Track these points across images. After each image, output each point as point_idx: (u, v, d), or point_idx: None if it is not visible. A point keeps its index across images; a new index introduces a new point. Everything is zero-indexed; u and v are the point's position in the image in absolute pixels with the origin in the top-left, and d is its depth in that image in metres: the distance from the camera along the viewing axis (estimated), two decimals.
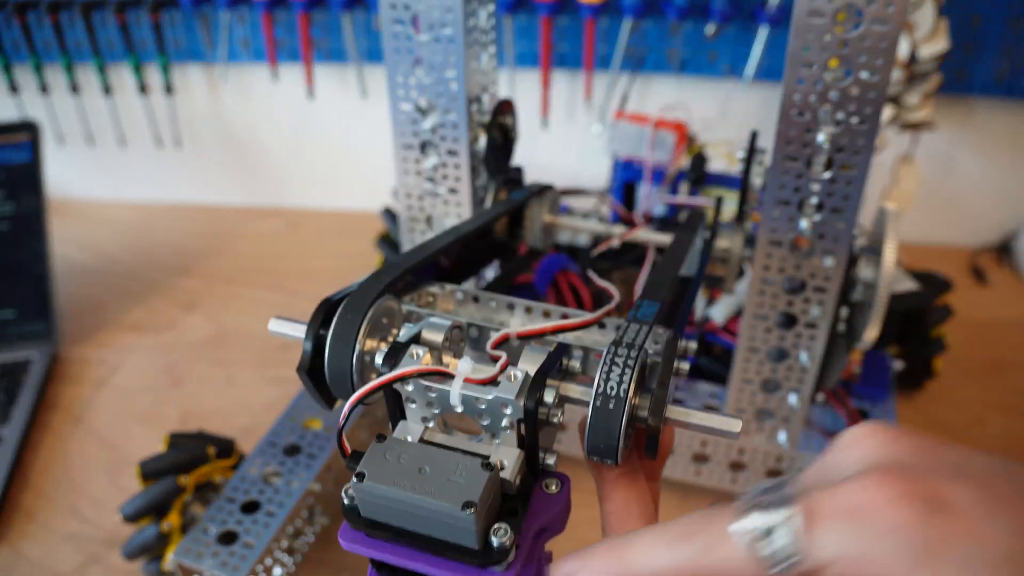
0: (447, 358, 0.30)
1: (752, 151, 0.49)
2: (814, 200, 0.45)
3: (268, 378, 0.72)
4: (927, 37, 0.71)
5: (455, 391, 0.28)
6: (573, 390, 0.29)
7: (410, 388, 0.28)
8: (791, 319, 0.50)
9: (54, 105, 0.96)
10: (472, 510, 0.25)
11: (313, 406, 0.60)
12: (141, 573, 0.54)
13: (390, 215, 0.79)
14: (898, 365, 0.66)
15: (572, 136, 0.90)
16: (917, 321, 0.65)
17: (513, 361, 0.28)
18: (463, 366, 0.28)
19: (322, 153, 0.98)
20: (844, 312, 0.53)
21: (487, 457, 0.27)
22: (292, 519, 0.53)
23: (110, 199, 1.05)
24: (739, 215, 0.52)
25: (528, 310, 0.38)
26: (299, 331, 0.33)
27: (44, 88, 0.93)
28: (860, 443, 0.25)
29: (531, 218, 0.53)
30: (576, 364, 0.30)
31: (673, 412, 0.28)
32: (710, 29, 0.76)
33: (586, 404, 0.27)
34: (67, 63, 0.90)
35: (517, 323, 0.37)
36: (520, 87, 0.86)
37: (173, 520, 0.51)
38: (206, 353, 0.76)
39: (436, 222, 0.57)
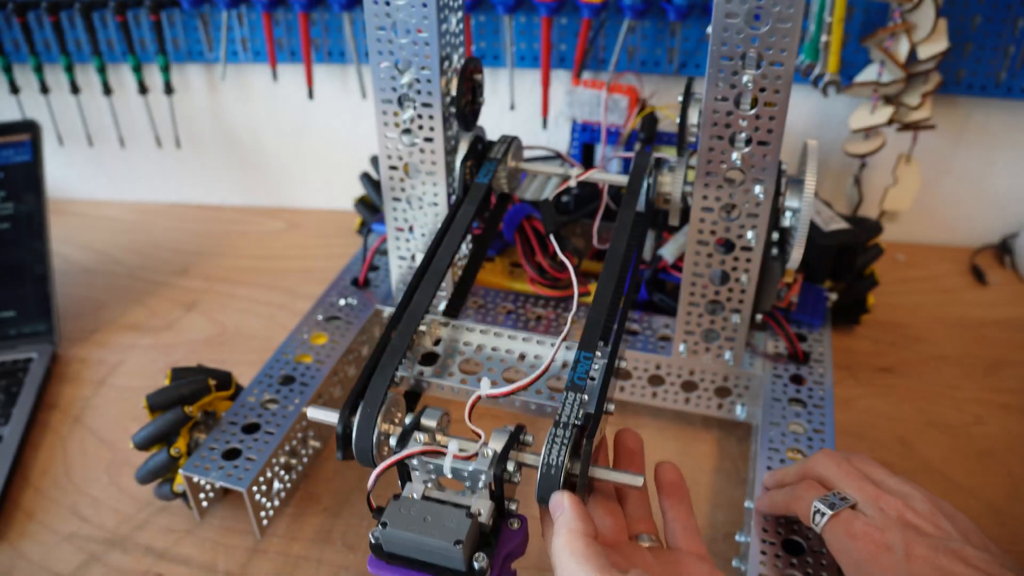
0: (440, 437, 0.42)
1: (688, 95, 0.57)
2: (743, 135, 0.52)
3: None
4: (926, 37, 0.71)
5: (447, 466, 0.40)
6: (528, 459, 0.41)
7: (415, 463, 0.41)
8: (729, 244, 0.57)
9: (54, 105, 0.96)
10: (460, 546, 0.37)
11: (304, 343, 0.67)
12: (154, 496, 0.59)
13: (368, 179, 0.84)
14: (832, 297, 0.72)
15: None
16: (849, 257, 0.71)
17: (486, 441, 0.41)
18: (452, 447, 0.41)
19: (322, 153, 0.98)
20: (776, 237, 0.61)
21: (469, 508, 0.39)
22: (289, 438, 0.59)
23: (110, 199, 1.06)
24: (679, 153, 0.58)
25: (495, 334, 0.52)
26: (333, 420, 0.45)
27: (44, 88, 0.93)
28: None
29: (498, 167, 0.61)
30: (530, 438, 0.43)
31: (594, 473, 0.41)
32: (711, 29, 0.76)
33: (537, 469, 0.40)
34: (67, 63, 0.90)
35: (487, 343, 0.52)
36: (520, 87, 0.87)
37: (181, 445, 0.57)
38: (206, 353, 0.76)
39: (413, 169, 0.63)
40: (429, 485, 0.41)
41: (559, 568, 0.36)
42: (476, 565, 0.38)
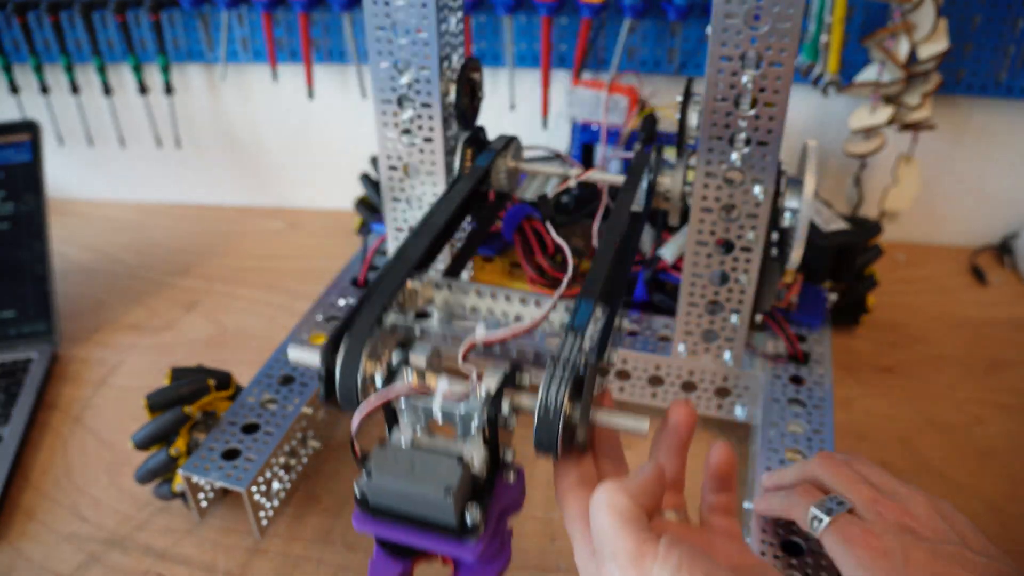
0: (429, 377, 0.38)
1: (688, 95, 0.56)
2: (742, 135, 0.52)
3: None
4: (926, 37, 0.71)
5: (436, 407, 0.37)
6: (524, 401, 0.37)
7: (402, 405, 0.38)
8: (729, 245, 0.57)
9: (54, 105, 0.96)
10: (450, 494, 0.33)
11: (305, 343, 0.67)
12: (153, 496, 0.59)
13: (368, 179, 0.83)
14: (832, 297, 0.72)
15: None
16: (849, 258, 0.70)
17: (479, 377, 0.37)
18: (441, 386, 0.37)
19: (322, 153, 0.98)
20: (775, 237, 0.60)
21: (461, 455, 0.35)
22: (288, 438, 0.59)
23: (110, 199, 1.06)
24: (678, 153, 0.58)
25: (492, 295, 0.46)
26: (315, 360, 0.41)
27: (44, 88, 0.93)
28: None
29: (497, 166, 0.60)
30: (526, 378, 0.38)
31: (596, 417, 0.37)
32: (710, 29, 0.76)
33: (533, 413, 0.36)
34: (67, 63, 0.90)
35: (484, 305, 0.46)
36: (520, 87, 0.87)
37: (180, 445, 0.57)
38: (206, 353, 0.76)
39: (412, 169, 0.63)
40: (419, 430, 0.38)
41: (592, 523, 0.34)
42: (468, 518, 0.35)
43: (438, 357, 0.40)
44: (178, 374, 0.61)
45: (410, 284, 0.46)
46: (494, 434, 0.36)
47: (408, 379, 0.38)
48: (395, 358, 0.40)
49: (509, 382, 0.38)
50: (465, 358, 0.39)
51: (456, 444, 0.37)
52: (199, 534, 0.58)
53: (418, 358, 0.39)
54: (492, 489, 0.37)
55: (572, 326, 0.40)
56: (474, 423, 0.37)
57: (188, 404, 0.58)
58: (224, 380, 0.61)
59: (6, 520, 0.60)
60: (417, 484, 0.34)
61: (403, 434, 0.37)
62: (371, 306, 0.42)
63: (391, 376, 0.38)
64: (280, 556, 0.56)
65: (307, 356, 0.42)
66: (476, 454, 0.36)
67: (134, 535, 0.58)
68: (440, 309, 0.47)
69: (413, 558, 0.37)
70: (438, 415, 0.38)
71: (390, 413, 0.38)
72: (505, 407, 0.37)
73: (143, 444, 0.57)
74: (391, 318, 0.43)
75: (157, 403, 0.58)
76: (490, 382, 0.37)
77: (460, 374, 0.38)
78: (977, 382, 0.70)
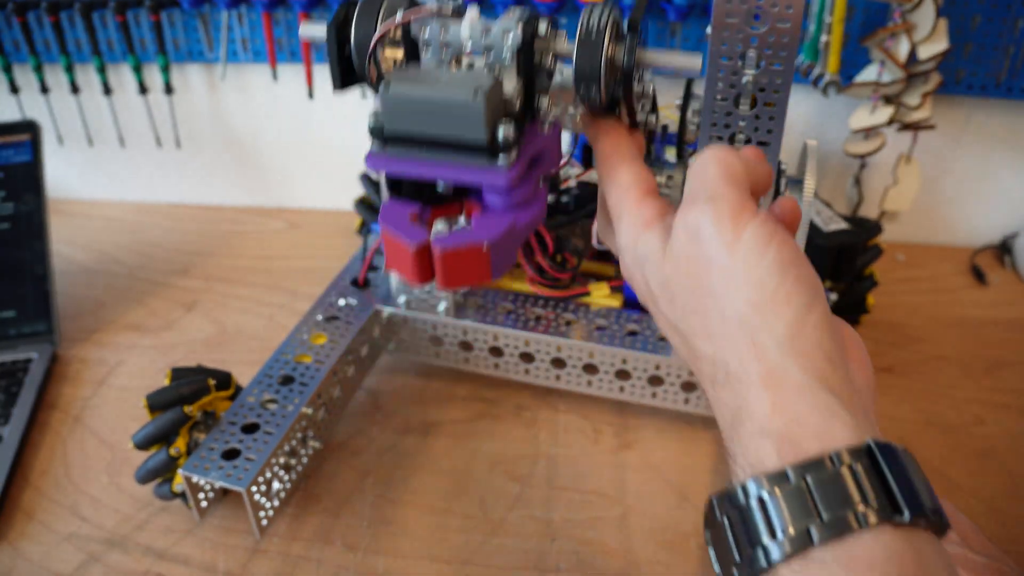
0: (456, 11, 0.34)
1: (688, 95, 0.56)
2: (742, 135, 0.51)
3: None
4: (926, 37, 0.71)
5: (466, 23, 0.32)
6: (561, 42, 0.34)
7: (427, 31, 0.32)
8: None
9: (54, 105, 0.96)
10: (482, 95, 0.29)
11: (304, 343, 0.66)
12: (154, 495, 0.59)
13: (367, 179, 0.83)
14: (833, 296, 0.71)
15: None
16: (849, 257, 0.70)
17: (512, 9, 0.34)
18: (472, 11, 0.33)
19: (322, 153, 0.98)
20: None
21: (493, 71, 0.31)
22: (288, 438, 0.59)
23: (110, 199, 1.06)
24: (678, 152, 0.58)
25: None
26: (322, 31, 0.36)
27: (44, 88, 0.93)
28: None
29: None
30: (562, 31, 0.35)
31: (643, 55, 0.34)
32: (710, 29, 0.76)
33: (571, 53, 0.32)
34: (67, 63, 0.90)
35: None
36: None
37: (180, 445, 0.57)
38: (206, 353, 0.76)
39: None
40: (444, 65, 0.33)
41: (696, 173, 0.32)
42: (500, 133, 0.30)
43: (461, 6, 0.35)
44: (178, 374, 0.61)
45: None
46: (529, 56, 0.32)
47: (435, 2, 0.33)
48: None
49: (544, 19, 0.34)
50: None
51: (487, 73, 0.32)
52: (199, 534, 0.58)
53: (443, 3, 0.34)
54: (525, 122, 0.32)
55: None
56: (508, 45, 0.32)
57: (188, 404, 0.58)
58: (224, 380, 0.61)
59: (6, 520, 0.60)
60: (443, 90, 0.30)
61: (427, 63, 0.33)
62: None
63: (412, 2, 0.34)
64: (280, 556, 0.56)
65: (318, 29, 0.38)
66: (509, 78, 0.31)
67: (134, 535, 0.58)
68: None
69: (432, 209, 0.33)
70: (467, 35, 0.32)
71: (411, 46, 0.33)
72: (542, 27, 0.33)
73: (143, 444, 0.57)
74: None
75: (157, 403, 0.58)
76: (524, 12, 0.33)
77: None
78: (977, 382, 0.70)
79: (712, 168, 0.32)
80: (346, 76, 0.37)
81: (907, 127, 0.77)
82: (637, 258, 0.33)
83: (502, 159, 0.30)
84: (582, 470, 0.62)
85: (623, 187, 0.35)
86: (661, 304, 0.33)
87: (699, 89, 0.54)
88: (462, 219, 0.33)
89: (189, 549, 0.57)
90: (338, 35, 0.35)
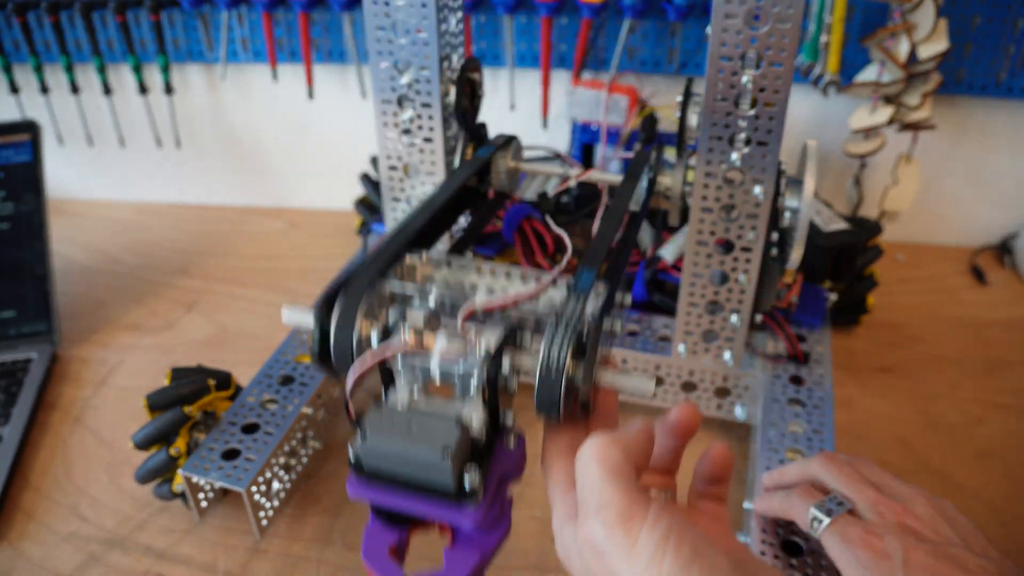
0: (427, 336, 0.37)
1: (688, 95, 0.56)
2: (742, 135, 0.52)
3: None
4: (926, 37, 0.71)
5: (433, 365, 0.36)
6: (525, 361, 0.36)
7: (399, 365, 0.36)
8: (729, 245, 0.57)
9: (54, 105, 0.96)
10: (448, 454, 0.32)
11: (304, 343, 0.67)
12: (153, 496, 0.59)
13: (368, 180, 0.84)
14: (832, 297, 0.71)
15: None
16: (849, 257, 0.70)
17: (478, 334, 0.36)
18: (439, 344, 0.36)
19: (322, 153, 0.98)
20: (775, 237, 0.59)
21: (459, 417, 0.34)
22: (288, 438, 0.59)
23: (110, 199, 1.06)
24: (678, 153, 0.58)
25: (492, 272, 0.45)
26: (308, 320, 0.39)
27: (44, 88, 0.93)
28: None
29: (497, 165, 0.60)
30: (528, 337, 0.37)
31: (600, 377, 0.36)
32: (710, 29, 0.76)
33: (534, 373, 0.35)
34: (67, 63, 0.90)
35: (483, 284, 0.45)
36: (520, 87, 0.87)
37: (180, 445, 0.57)
38: (206, 353, 0.76)
39: (412, 169, 0.64)
40: (416, 392, 0.36)
41: (580, 476, 0.32)
42: (467, 482, 0.33)
43: (436, 318, 0.38)
44: (178, 374, 0.61)
45: (409, 260, 0.45)
46: (494, 394, 0.35)
47: (405, 337, 0.36)
48: (391, 317, 0.38)
49: (509, 341, 0.36)
50: (465, 323, 0.38)
51: (455, 405, 0.35)
52: (199, 534, 0.58)
53: (415, 317, 0.37)
54: (492, 453, 0.35)
55: (575, 288, 0.38)
56: (473, 383, 0.35)
57: (188, 404, 0.58)
58: (224, 380, 0.61)
59: (6, 520, 0.60)
60: (414, 445, 0.33)
61: (400, 395, 0.36)
62: (368, 268, 0.40)
63: (387, 336, 0.37)
64: (280, 556, 0.56)
65: (301, 316, 0.41)
66: (475, 415, 0.34)
67: (134, 535, 0.58)
68: (440, 287, 0.45)
69: (409, 527, 0.36)
70: (436, 374, 0.36)
71: (386, 373, 0.37)
72: (505, 365, 0.35)
73: (143, 444, 0.57)
74: (389, 285, 0.41)
75: (157, 403, 0.58)
76: (490, 339, 0.36)
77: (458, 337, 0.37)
78: (977, 382, 0.70)
79: (593, 471, 0.32)
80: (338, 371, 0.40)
81: (907, 127, 0.77)
82: (564, 546, 0.34)
83: (469, 503, 0.34)
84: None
85: (554, 479, 0.36)
86: None
87: (699, 88, 0.54)
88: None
89: (189, 549, 0.57)
90: (322, 356, 0.38)
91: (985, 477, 0.61)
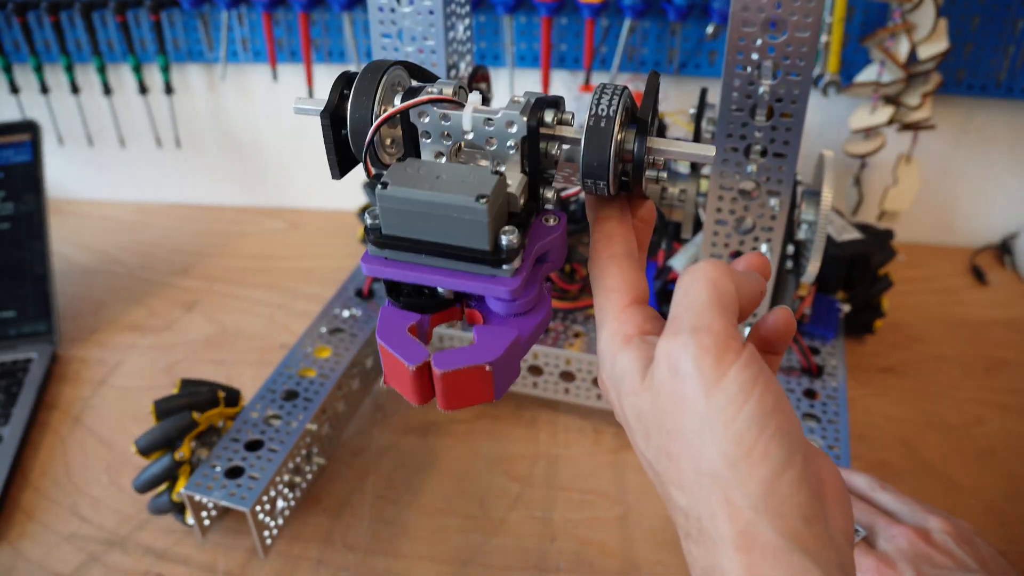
0: (460, 94, 0.32)
1: (702, 105, 0.54)
2: (758, 146, 0.50)
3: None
4: (926, 37, 0.71)
5: (467, 113, 0.31)
6: (567, 131, 0.31)
7: (427, 119, 0.31)
8: None
9: (54, 105, 0.96)
10: (484, 200, 0.27)
11: (308, 357, 0.65)
12: (148, 510, 0.58)
13: (370, 189, 0.82)
14: (845, 308, 0.70)
15: None
16: (863, 266, 0.70)
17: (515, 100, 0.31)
18: (474, 97, 0.31)
19: (322, 153, 0.97)
20: (791, 250, 0.58)
21: (497, 169, 0.30)
22: (293, 456, 0.57)
23: (110, 199, 1.05)
24: (692, 164, 0.56)
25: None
26: (321, 104, 0.35)
27: (44, 88, 0.93)
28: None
29: None
30: (569, 115, 0.32)
31: (654, 142, 0.31)
32: (710, 29, 0.76)
33: (578, 141, 0.30)
34: (67, 63, 0.90)
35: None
36: (520, 87, 0.86)
37: (185, 450, 0.56)
38: (206, 353, 0.76)
39: None
40: (443, 158, 0.31)
41: (684, 293, 0.29)
42: (504, 240, 0.28)
43: (465, 91, 0.33)
44: (187, 385, 0.60)
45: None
46: (535, 151, 0.30)
47: (436, 88, 0.31)
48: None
49: (549, 99, 0.32)
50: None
51: (489, 166, 0.31)
52: (199, 534, 0.58)
53: (445, 88, 0.32)
54: (529, 226, 0.30)
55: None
56: (511, 135, 0.30)
57: (198, 412, 0.56)
58: (233, 397, 0.60)
59: (6, 520, 0.60)
60: (444, 193, 0.28)
61: (425, 157, 0.32)
62: (384, 60, 0.36)
63: (412, 91, 0.32)
64: (280, 556, 0.56)
65: (313, 104, 0.37)
66: (513, 178, 0.30)
67: (134, 535, 0.58)
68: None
69: (432, 316, 0.31)
70: (469, 126, 0.31)
71: (411, 135, 0.32)
72: (548, 116, 0.31)
73: (146, 449, 0.56)
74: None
75: (164, 410, 0.57)
76: (530, 97, 0.31)
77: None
78: (977, 382, 0.70)
79: (701, 291, 0.29)
80: (344, 162, 0.36)
81: (907, 127, 0.77)
82: (613, 376, 0.31)
83: (506, 268, 0.29)
84: (582, 470, 0.62)
85: (607, 290, 0.32)
86: (636, 437, 0.31)
87: (714, 98, 0.53)
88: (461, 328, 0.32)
89: (189, 549, 0.57)
90: (333, 120, 0.34)
91: (985, 477, 0.61)
